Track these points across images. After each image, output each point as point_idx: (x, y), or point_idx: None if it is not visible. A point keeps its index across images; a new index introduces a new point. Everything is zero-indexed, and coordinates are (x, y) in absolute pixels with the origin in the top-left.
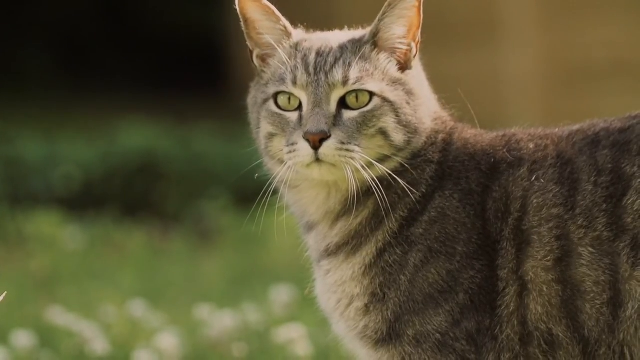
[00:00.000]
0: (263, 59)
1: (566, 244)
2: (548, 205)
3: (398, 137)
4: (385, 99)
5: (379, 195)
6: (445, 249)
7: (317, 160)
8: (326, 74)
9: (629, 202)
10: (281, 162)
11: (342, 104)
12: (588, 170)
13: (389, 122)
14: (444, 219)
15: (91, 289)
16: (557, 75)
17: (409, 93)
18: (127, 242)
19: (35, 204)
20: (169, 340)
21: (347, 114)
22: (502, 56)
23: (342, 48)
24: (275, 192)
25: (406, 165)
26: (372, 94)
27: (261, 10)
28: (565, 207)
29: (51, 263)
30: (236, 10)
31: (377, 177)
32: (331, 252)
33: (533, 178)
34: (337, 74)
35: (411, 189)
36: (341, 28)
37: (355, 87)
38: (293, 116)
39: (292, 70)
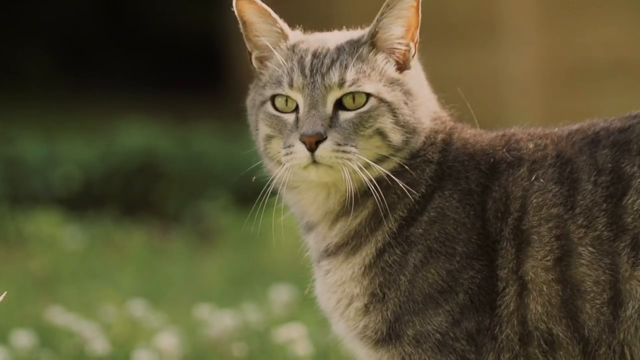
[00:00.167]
0: (261, 61)
1: (566, 244)
2: (548, 204)
3: (396, 137)
4: (382, 100)
5: (376, 196)
6: (444, 249)
7: (314, 162)
8: (322, 76)
9: (629, 201)
10: (280, 163)
11: (339, 105)
12: (588, 169)
13: (386, 122)
14: (444, 219)
15: (91, 288)
16: (557, 75)
17: (407, 93)
18: (127, 242)
19: (35, 204)
20: (169, 340)
21: (344, 115)
22: (502, 56)
23: (339, 49)
24: (275, 192)
25: (405, 166)
26: (368, 95)
27: (258, 12)
28: (565, 207)
29: (51, 263)
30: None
31: (375, 178)
32: (331, 253)
33: (533, 178)
34: (334, 76)
35: (410, 189)
36: (340, 28)
37: (352, 89)
38: (290, 118)
39: (288, 72)
